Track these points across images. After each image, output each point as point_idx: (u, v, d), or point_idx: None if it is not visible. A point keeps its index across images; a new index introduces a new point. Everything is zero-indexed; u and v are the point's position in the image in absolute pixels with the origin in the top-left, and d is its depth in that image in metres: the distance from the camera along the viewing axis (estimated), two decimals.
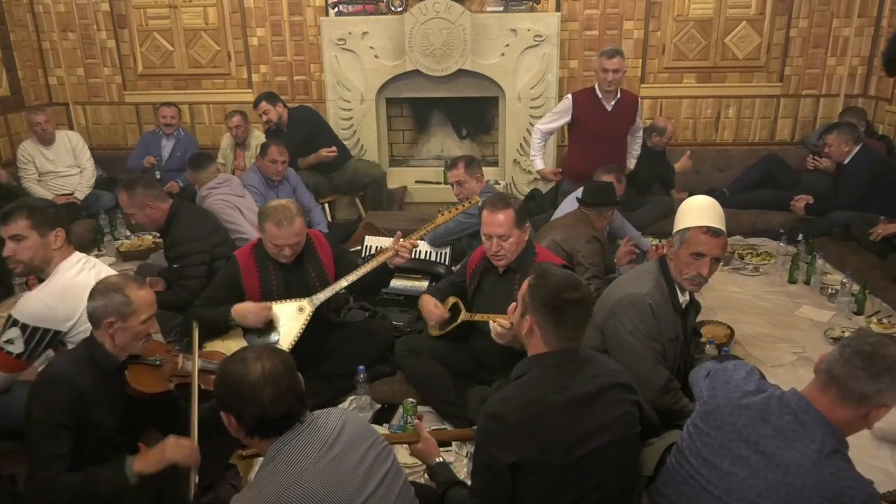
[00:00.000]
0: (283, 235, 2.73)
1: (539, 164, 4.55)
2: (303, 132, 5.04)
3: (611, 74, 4.11)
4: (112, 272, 2.44)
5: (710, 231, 2.23)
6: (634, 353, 2.23)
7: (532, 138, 4.57)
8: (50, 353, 2.50)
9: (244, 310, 2.75)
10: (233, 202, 3.95)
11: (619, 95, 4.27)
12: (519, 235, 2.65)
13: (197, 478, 2.00)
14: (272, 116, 4.97)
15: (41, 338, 2.33)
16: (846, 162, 4.43)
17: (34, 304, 2.35)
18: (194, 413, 2.13)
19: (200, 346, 2.61)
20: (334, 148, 5.10)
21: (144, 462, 1.96)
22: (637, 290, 2.29)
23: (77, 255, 2.55)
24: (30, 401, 1.96)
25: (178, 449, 1.97)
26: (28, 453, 1.94)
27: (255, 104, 5.02)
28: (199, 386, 2.22)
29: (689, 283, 2.30)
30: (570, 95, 4.37)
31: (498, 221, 2.62)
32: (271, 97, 5.01)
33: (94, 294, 2.04)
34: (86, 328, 2.31)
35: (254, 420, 1.51)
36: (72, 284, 2.40)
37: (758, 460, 1.53)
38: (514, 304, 2.50)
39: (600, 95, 4.24)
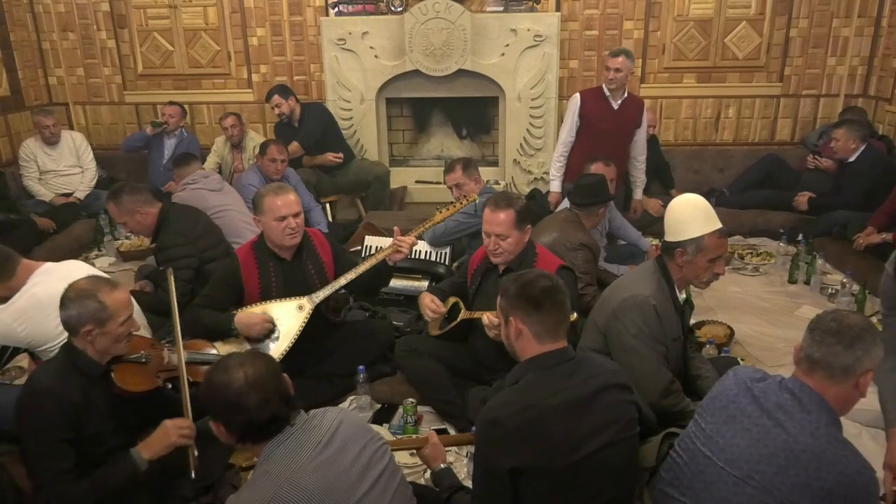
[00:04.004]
0: (284, 203, 2.75)
1: (556, 186, 4.44)
2: (320, 128, 5.07)
3: (612, 73, 4.17)
4: (86, 272, 2.41)
5: (722, 233, 2.28)
6: (638, 356, 2.23)
7: (553, 160, 4.49)
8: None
9: (249, 322, 2.70)
10: (203, 194, 3.93)
11: (625, 96, 4.29)
12: (518, 236, 2.65)
13: (196, 452, 2.03)
14: (284, 109, 4.98)
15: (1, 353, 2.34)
16: (851, 160, 4.41)
17: None
18: (185, 389, 2.12)
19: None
20: (341, 154, 5.13)
21: (151, 449, 1.98)
22: (640, 291, 2.29)
23: (43, 267, 2.51)
24: (20, 418, 1.92)
25: (179, 429, 2.00)
26: (32, 473, 1.92)
27: (268, 97, 5.03)
28: (188, 379, 2.20)
29: (704, 284, 2.35)
30: (577, 93, 4.41)
31: (498, 220, 2.63)
32: (284, 90, 5.03)
33: (66, 302, 1.96)
34: (52, 343, 2.31)
35: (242, 427, 1.51)
36: (32, 303, 2.37)
37: (758, 430, 1.60)
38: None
39: (607, 94, 4.27)
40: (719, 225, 2.28)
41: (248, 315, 2.73)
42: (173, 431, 2.00)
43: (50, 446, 1.88)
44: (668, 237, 2.34)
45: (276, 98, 4.97)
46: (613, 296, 2.38)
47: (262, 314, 2.73)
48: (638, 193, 4.60)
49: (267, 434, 1.52)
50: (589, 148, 4.26)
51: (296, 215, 2.78)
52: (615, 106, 4.28)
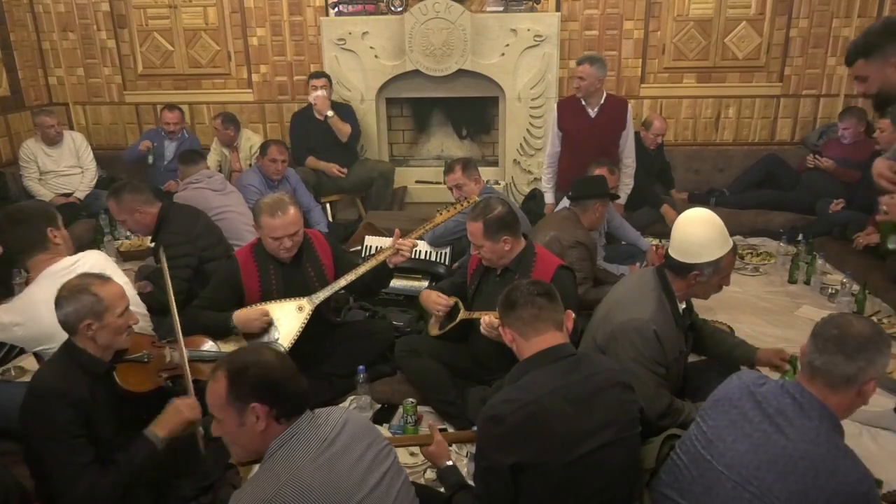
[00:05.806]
0: (281, 225, 2.72)
1: (550, 198, 4.46)
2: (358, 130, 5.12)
3: (577, 81, 4.16)
4: (103, 266, 2.41)
5: (735, 250, 2.26)
6: (637, 379, 2.13)
7: (543, 171, 4.53)
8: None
9: (247, 318, 2.71)
10: (206, 194, 3.91)
11: (602, 101, 4.23)
12: (491, 246, 2.64)
13: (202, 431, 2.08)
14: (322, 95, 4.95)
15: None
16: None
17: None
18: (186, 368, 2.16)
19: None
20: (345, 170, 5.12)
21: (165, 427, 2.04)
22: (640, 314, 2.21)
23: (64, 262, 2.48)
24: (30, 423, 1.92)
25: (189, 407, 2.07)
26: (54, 474, 1.91)
27: (315, 75, 5.04)
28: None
29: (707, 297, 2.34)
30: (555, 104, 4.39)
31: (471, 230, 2.67)
32: (331, 81, 5.10)
33: (60, 301, 1.96)
34: (51, 345, 2.26)
35: (275, 395, 1.52)
36: (36, 303, 2.33)
37: (759, 436, 1.59)
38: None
39: (583, 103, 4.22)
40: (732, 242, 2.23)
41: (246, 311, 2.74)
42: (184, 407, 2.06)
43: (69, 443, 1.89)
44: (680, 258, 2.22)
45: (323, 80, 4.98)
46: (613, 315, 2.30)
47: (259, 309, 2.74)
48: (622, 197, 4.37)
49: (295, 408, 1.55)
50: (575, 156, 4.22)
51: (292, 235, 2.76)
52: (592, 114, 4.23)
